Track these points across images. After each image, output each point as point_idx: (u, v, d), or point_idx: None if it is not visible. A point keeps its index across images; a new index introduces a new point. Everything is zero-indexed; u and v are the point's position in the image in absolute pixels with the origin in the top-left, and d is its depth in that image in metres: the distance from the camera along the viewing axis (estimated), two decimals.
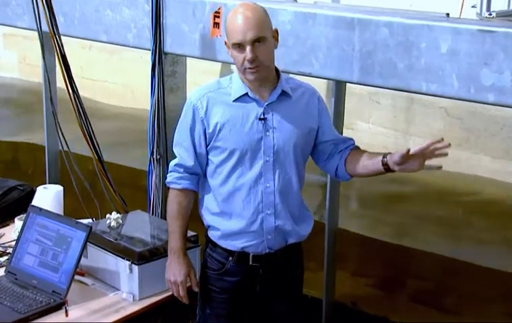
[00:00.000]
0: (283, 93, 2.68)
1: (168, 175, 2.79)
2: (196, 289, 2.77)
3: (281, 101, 2.68)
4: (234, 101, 2.65)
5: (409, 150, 2.52)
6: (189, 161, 2.71)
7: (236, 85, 2.67)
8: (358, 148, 2.80)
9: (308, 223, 2.81)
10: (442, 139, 2.52)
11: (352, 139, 2.83)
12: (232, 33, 2.58)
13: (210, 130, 2.66)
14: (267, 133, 2.65)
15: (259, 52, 2.56)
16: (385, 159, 2.60)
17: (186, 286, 2.75)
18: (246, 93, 2.65)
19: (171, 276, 2.74)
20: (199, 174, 2.75)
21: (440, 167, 2.55)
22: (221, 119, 2.64)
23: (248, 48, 2.55)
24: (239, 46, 2.56)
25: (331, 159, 2.79)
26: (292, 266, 2.81)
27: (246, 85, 2.65)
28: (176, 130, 2.77)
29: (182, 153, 2.72)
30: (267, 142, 2.65)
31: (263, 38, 2.57)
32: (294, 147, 2.69)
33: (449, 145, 2.50)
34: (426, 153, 2.53)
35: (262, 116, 2.65)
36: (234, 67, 2.72)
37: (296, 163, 2.72)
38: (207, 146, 2.69)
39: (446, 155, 2.52)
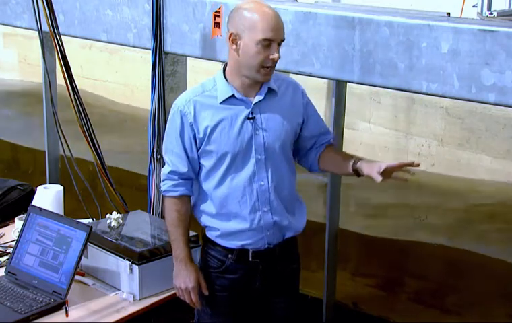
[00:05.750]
0: (270, 91, 2.68)
1: (162, 184, 2.75)
2: (206, 292, 2.75)
3: (268, 99, 2.67)
4: (220, 103, 2.64)
5: (381, 167, 2.53)
6: (183, 168, 2.69)
7: (222, 86, 2.65)
8: (332, 145, 2.83)
9: (303, 213, 2.82)
10: (413, 162, 2.56)
11: (330, 133, 2.85)
12: (263, 27, 2.52)
13: (201, 136, 2.64)
14: (257, 132, 2.65)
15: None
16: (356, 166, 2.64)
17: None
18: (233, 95, 2.64)
19: (181, 284, 2.72)
20: (192, 179, 2.74)
21: (405, 180, 2.57)
22: (210, 123, 2.63)
23: (276, 47, 2.55)
24: (267, 43, 2.53)
25: (308, 154, 2.82)
26: (289, 260, 2.82)
27: (233, 86, 2.64)
28: (165, 138, 2.75)
29: (175, 160, 2.70)
30: (258, 140, 2.65)
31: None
32: (284, 142, 2.69)
33: (419, 164, 2.56)
34: (394, 170, 2.56)
35: (250, 116, 2.64)
36: (221, 68, 2.69)
37: (287, 158, 2.73)
38: (198, 150, 2.68)
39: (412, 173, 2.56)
